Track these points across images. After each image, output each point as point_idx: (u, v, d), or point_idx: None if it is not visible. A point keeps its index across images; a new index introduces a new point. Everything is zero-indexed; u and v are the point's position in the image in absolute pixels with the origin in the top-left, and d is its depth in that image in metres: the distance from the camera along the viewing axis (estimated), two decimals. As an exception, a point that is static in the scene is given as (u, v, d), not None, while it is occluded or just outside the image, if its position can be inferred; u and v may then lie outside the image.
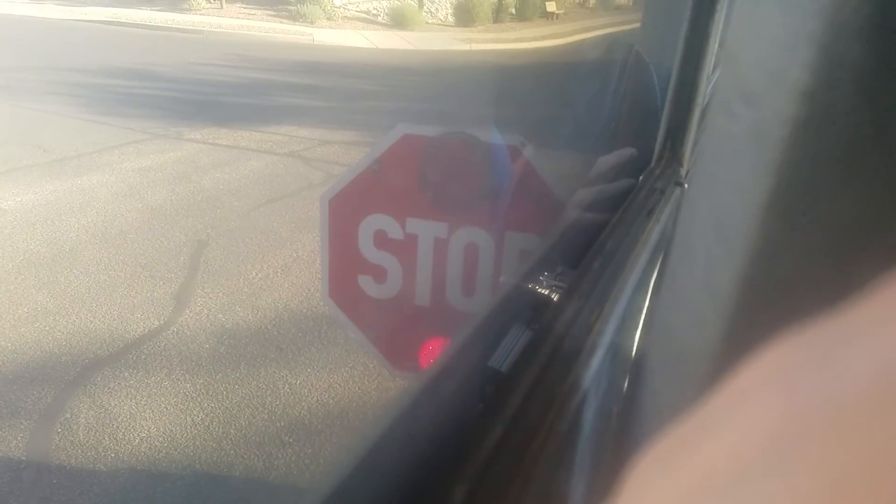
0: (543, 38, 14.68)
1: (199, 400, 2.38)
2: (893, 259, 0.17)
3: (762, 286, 0.18)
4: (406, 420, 0.35)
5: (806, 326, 0.12)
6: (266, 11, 16.09)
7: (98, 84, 7.57)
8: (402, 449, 0.33)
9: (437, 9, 17.46)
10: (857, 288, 0.20)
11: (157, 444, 2.18)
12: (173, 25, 13.63)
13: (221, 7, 16.14)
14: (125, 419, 2.28)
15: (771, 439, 0.10)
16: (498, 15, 16.92)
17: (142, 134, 5.60)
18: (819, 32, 0.16)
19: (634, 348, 0.49)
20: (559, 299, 0.53)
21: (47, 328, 2.76)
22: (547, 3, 17.75)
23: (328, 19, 15.43)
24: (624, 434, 0.25)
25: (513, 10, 17.48)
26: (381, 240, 1.34)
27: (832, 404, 0.10)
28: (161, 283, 3.17)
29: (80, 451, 2.14)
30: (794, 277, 0.18)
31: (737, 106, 0.19)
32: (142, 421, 2.27)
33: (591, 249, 0.59)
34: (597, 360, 0.44)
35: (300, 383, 2.50)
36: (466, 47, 13.51)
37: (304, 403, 2.40)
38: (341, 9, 16.32)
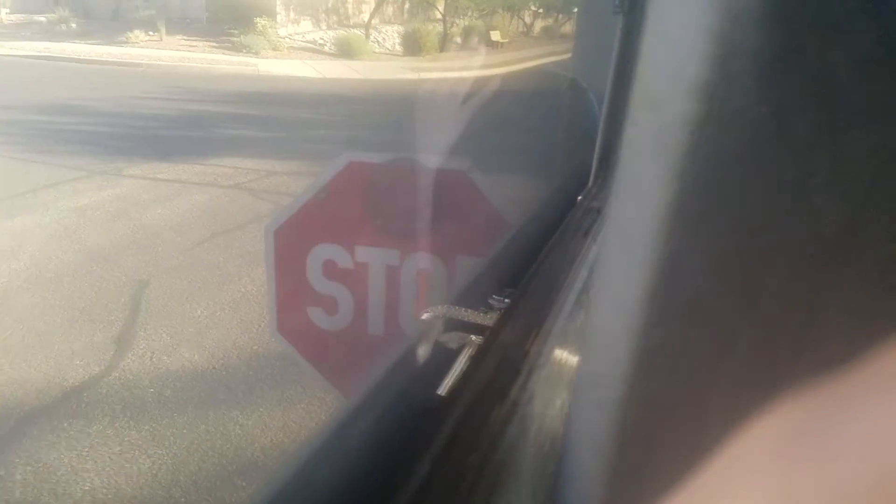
0: (489, 66, 14.99)
1: (144, 447, 2.27)
2: (801, 264, 0.16)
3: (669, 299, 0.17)
4: (339, 441, 0.33)
5: (802, 393, 0.12)
6: (208, 42, 15.91)
7: (31, 121, 7.30)
8: (335, 471, 0.32)
9: (384, 38, 17.67)
10: (766, 298, 0.20)
11: (101, 496, 2.06)
12: (111, 59, 13.33)
13: (161, 39, 15.89)
14: (66, 472, 2.14)
15: None
16: (444, 44, 17.22)
17: (78, 171, 5.41)
18: (716, 22, 0.15)
19: (572, 371, 0.48)
20: (496, 321, 0.52)
21: (-23, 380, 2.60)
22: (491, 33, 18.17)
23: (273, 49, 15.38)
24: (564, 461, 0.24)
25: (458, 40, 17.83)
26: (331, 270, 1.31)
27: (834, 484, 0.10)
28: (101, 326, 3.04)
29: (15, 510, 2.00)
30: (701, 288, 0.17)
31: (641, 112, 0.18)
32: (84, 473, 2.14)
33: (528, 270, 0.59)
34: (533, 383, 0.44)
35: (252, 424, 2.41)
36: (414, 76, 13.66)
37: (257, 445, 2.31)
38: (286, 39, 16.31)
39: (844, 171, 0.15)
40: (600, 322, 0.20)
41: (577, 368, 0.35)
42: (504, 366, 0.45)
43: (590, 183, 0.95)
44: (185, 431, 2.35)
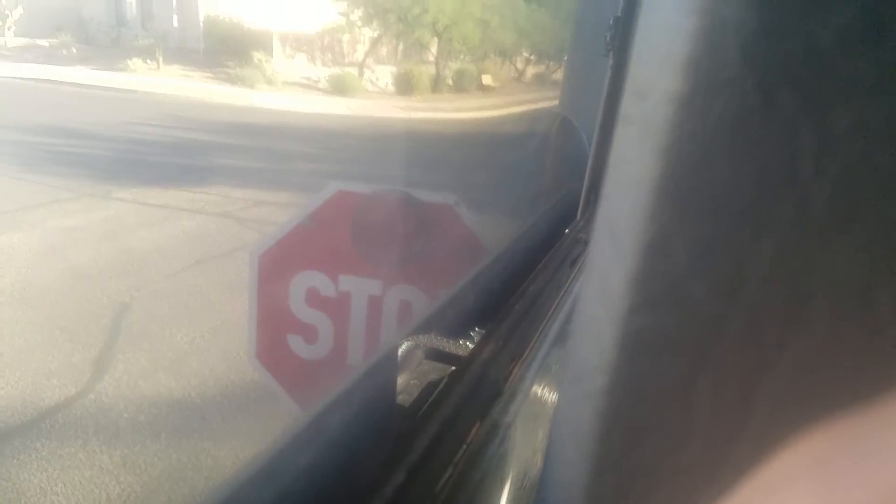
0: (480, 108, 15.24)
1: (115, 473, 2.21)
2: (788, 247, 0.16)
3: (653, 283, 0.17)
4: (313, 452, 0.33)
5: (838, 418, 0.12)
6: (204, 73, 16.07)
7: (25, 141, 7.28)
8: (308, 482, 0.31)
9: (377, 78, 17.94)
10: (752, 282, 0.18)
11: (66, 522, 1.99)
12: (108, 85, 13.37)
13: (158, 68, 16.02)
14: (34, 494, 2.09)
15: None
16: (436, 85, 17.52)
17: (68, 192, 5.37)
18: None
19: (553, 397, 0.48)
20: (476, 349, 0.52)
21: (-50, 397, 2.53)
22: (483, 77, 18.53)
23: (268, 83, 15.54)
24: (547, 460, 0.23)
25: (450, 82, 18.16)
26: (313, 297, 1.29)
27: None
28: (80, 347, 2.98)
29: (-22, 532, 1.94)
30: (686, 271, 0.16)
31: (631, 106, 0.17)
32: (52, 496, 2.09)
33: (512, 298, 0.59)
34: (515, 406, 0.43)
35: (224, 455, 2.35)
36: (406, 115, 13.84)
37: (227, 477, 2.25)
38: (281, 73, 16.51)
39: (830, 150, 0.15)
40: (585, 311, 0.20)
41: (564, 365, 0.35)
42: (484, 390, 0.45)
43: (578, 216, 0.96)
44: (156, 459, 2.30)
